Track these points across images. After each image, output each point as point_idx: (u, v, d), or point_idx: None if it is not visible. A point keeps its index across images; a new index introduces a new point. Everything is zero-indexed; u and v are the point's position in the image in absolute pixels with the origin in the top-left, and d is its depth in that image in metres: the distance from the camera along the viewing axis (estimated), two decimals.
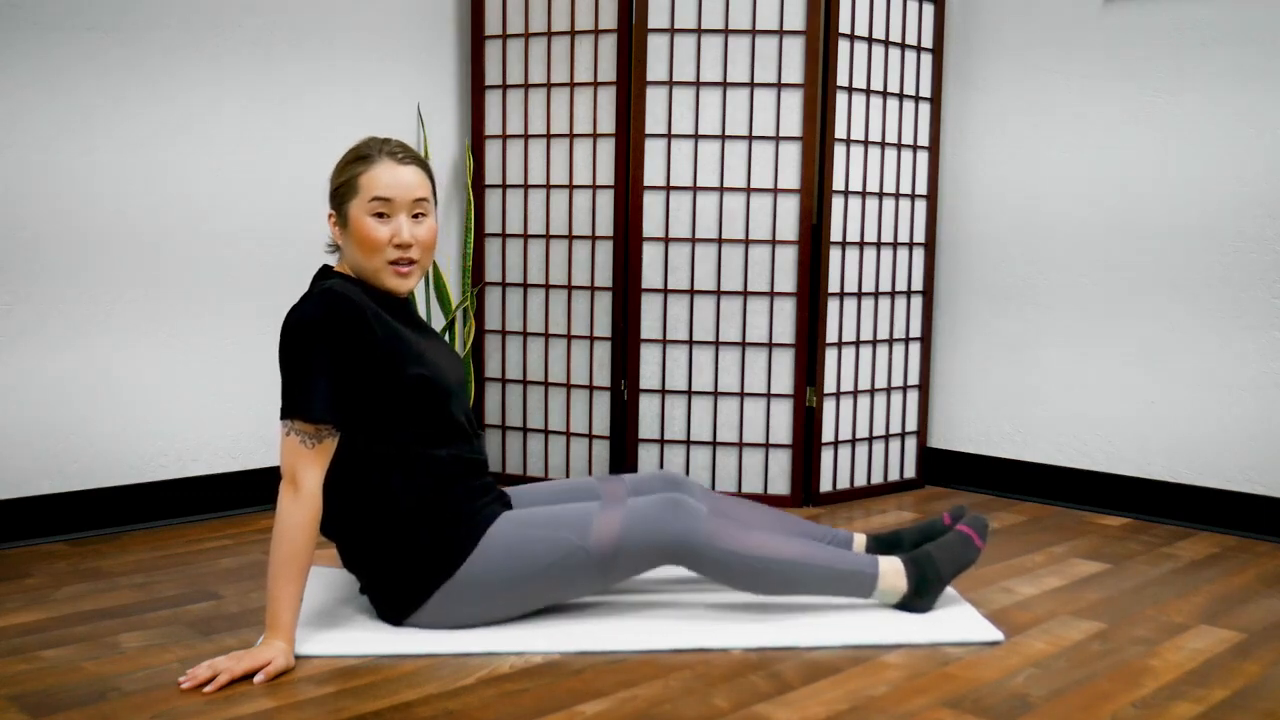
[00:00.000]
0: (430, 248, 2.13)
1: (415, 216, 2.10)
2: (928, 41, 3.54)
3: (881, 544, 2.46)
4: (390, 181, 2.07)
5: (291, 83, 3.17)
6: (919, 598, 2.27)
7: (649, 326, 3.35)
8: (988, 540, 2.55)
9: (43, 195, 2.76)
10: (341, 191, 2.10)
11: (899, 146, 3.50)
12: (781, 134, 3.28)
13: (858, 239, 3.43)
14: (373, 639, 2.08)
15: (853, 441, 3.48)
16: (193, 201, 3.00)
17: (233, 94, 3.06)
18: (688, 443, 3.36)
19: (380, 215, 2.07)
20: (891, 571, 2.26)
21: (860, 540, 2.47)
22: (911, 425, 3.65)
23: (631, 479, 2.38)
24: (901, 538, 2.45)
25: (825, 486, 3.41)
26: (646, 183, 3.32)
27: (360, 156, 2.10)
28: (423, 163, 2.15)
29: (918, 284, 3.60)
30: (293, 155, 3.18)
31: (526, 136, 3.48)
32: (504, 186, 3.53)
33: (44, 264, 2.77)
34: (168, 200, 2.96)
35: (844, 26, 3.30)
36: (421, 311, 3.44)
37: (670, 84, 3.28)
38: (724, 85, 3.28)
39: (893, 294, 3.54)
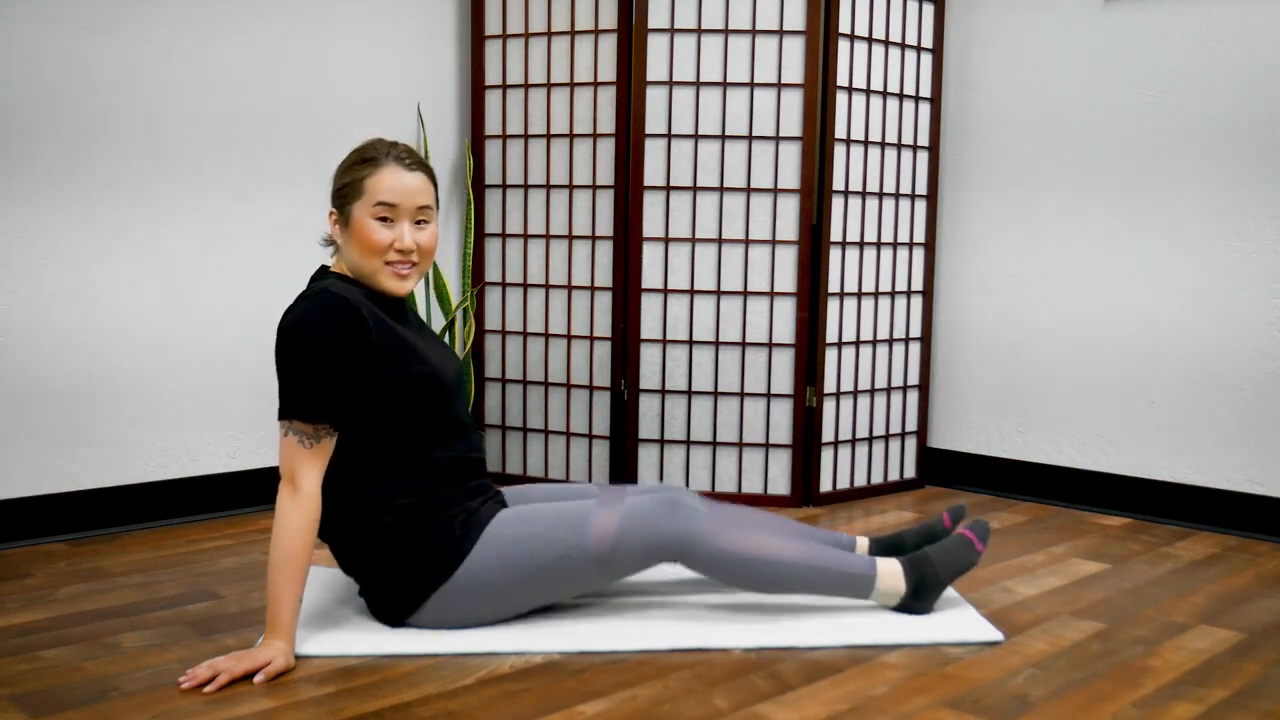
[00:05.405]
0: (430, 253, 2.15)
1: (418, 223, 2.12)
2: (928, 41, 3.54)
3: (883, 546, 2.46)
4: (396, 187, 2.08)
5: (291, 83, 3.17)
6: (917, 600, 2.27)
7: (649, 326, 3.35)
8: (988, 544, 2.55)
9: (47, 189, 2.76)
10: (346, 192, 2.10)
11: (899, 146, 3.50)
12: (781, 134, 3.28)
13: (858, 239, 3.43)
14: (373, 639, 2.08)
15: (853, 441, 3.48)
16: (187, 200, 3.01)
17: (228, 94, 3.06)
18: (688, 443, 3.36)
19: (384, 220, 2.08)
20: (889, 573, 2.26)
21: (862, 544, 2.47)
22: (911, 425, 3.65)
23: (631, 489, 2.38)
24: (903, 540, 2.45)
25: (825, 486, 3.41)
26: (646, 183, 3.32)
27: (367, 159, 2.10)
28: (428, 169, 2.15)
29: (918, 284, 3.60)
30: (293, 159, 3.18)
31: (526, 136, 3.48)
32: (504, 186, 3.53)
33: (42, 263, 2.77)
34: (165, 195, 2.97)
35: (844, 26, 3.30)
36: (421, 311, 3.44)
37: (670, 84, 3.28)
38: (724, 85, 3.28)
39: (893, 294, 3.54)
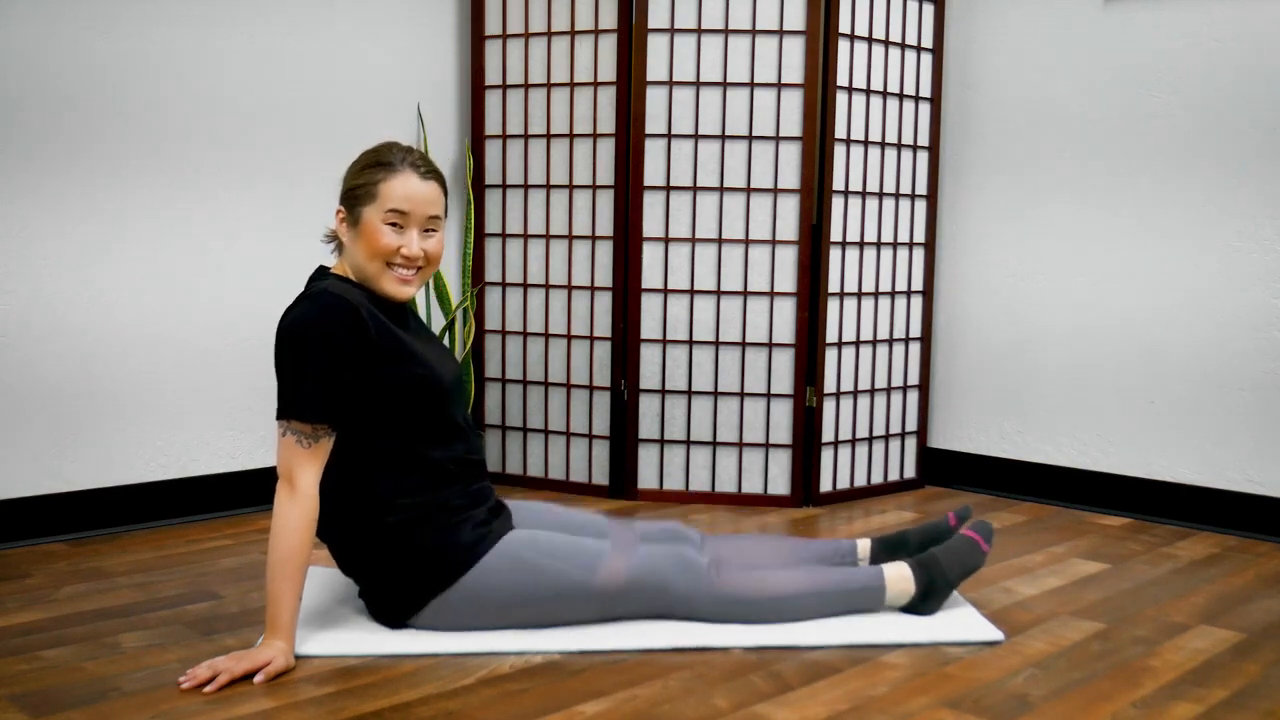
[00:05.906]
0: (437, 260, 2.15)
1: (427, 231, 2.12)
2: (928, 41, 3.54)
3: (886, 545, 2.45)
4: (409, 194, 2.08)
5: (291, 83, 3.17)
6: (925, 602, 2.27)
7: (649, 326, 3.35)
8: (993, 544, 2.55)
9: (47, 187, 2.76)
10: (358, 193, 2.09)
11: (899, 146, 3.50)
12: (781, 134, 3.28)
13: (858, 239, 3.43)
14: (373, 639, 2.08)
15: (853, 441, 3.48)
16: (187, 200, 3.01)
17: (228, 94, 3.06)
18: (688, 443, 3.36)
19: (394, 225, 2.08)
20: (898, 578, 2.26)
21: (864, 546, 2.46)
22: (911, 425, 3.65)
23: (641, 527, 2.38)
24: (907, 539, 2.45)
25: (825, 486, 3.41)
26: (646, 183, 3.32)
27: (382, 163, 2.09)
28: (441, 178, 2.15)
29: (918, 284, 3.60)
30: (293, 159, 3.18)
31: (526, 136, 3.48)
32: (504, 186, 3.53)
33: (42, 263, 2.77)
34: (165, 194, 2.96)
35: (844, 26, 3.30)
36: (421, 311, 3.44)
37: (670, 83, 3.28)
38: (724, 85, 3.28)
39: (893, 294, 3.54)
